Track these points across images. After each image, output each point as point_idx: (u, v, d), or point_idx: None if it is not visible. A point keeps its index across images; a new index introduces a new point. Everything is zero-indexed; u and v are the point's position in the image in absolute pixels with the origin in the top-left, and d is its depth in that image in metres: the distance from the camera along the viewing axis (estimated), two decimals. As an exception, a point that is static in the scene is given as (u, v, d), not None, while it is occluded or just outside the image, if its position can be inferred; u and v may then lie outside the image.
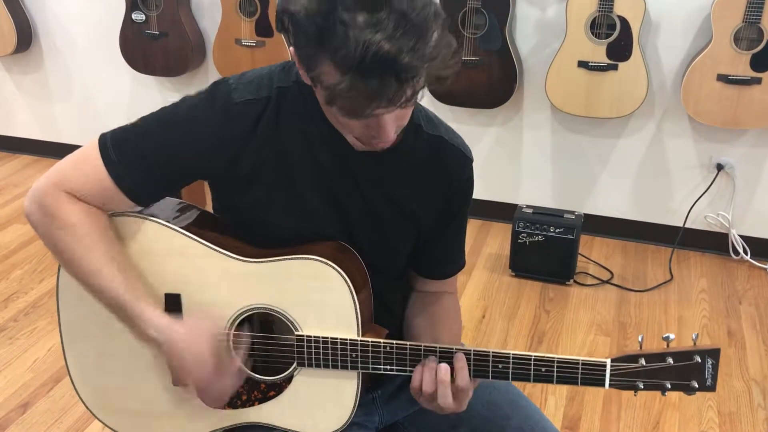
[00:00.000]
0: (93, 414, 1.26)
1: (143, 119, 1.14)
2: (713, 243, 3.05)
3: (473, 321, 2.62)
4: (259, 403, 1.17)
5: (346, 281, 1.09)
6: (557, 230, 2.76)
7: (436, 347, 1.08)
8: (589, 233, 3.15)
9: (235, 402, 1.18)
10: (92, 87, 3.69)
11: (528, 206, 2.87)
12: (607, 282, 2.86)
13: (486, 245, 3.13)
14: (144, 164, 1.10)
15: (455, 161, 1.21)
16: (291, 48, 0.98)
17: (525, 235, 2.80)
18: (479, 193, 3.22)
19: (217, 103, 1.10)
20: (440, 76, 0.93)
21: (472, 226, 3.27)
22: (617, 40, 2.73)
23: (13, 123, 3.93)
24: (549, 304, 2.73)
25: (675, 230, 3.04)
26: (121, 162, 1.10)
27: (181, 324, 1.09)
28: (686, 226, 3.02)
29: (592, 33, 2.74)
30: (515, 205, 2.91)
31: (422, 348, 1.08)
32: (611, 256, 3.05)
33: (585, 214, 2.90)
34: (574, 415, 2.18)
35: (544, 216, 2.80)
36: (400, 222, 1.20)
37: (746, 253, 2.99)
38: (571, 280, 2.83)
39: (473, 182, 1.26)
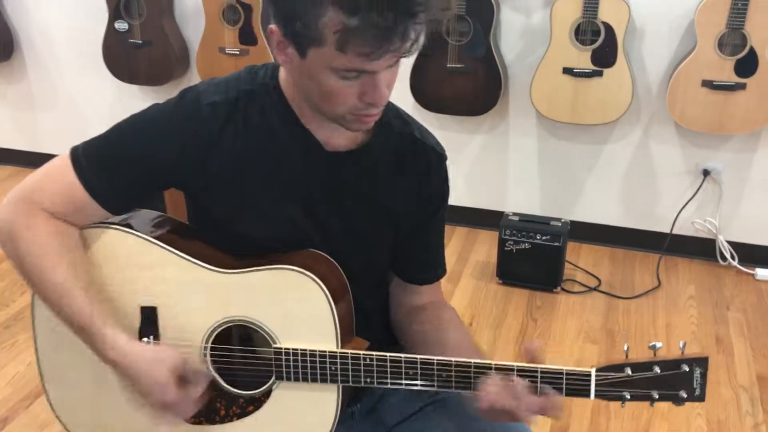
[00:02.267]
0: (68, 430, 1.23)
1: (113, 127, 1.13)
2: (701, 249, 3.05)
3: (460, 330, 2.59)
4: (238, 418, 1.14)
5: (323, 291, 1.06)
6: (544, 237, 2.75)
7: (416, 359, 1.05)
8: (577, 240, 3.14)
9: (213, 418, 1.15)
10: (76, 96, 3.66)
11: (514, 214, 2.85)
12: (595, 289, 2.85)
13: (473, 253, 3.11)
14: (116, 171, 1.10)
15: (428, 159, 1.20)
16: (272, 25, 0.98)
17: (512, 242, 2.78)
18: (466, 200, 3.27)
19: (185, 106, 1.10)
20: (438, 18, 0.95)
21: (459, 233, 3.25)
22: (602, 46, 2.72)
23: (-5, 133, 3.89)
24: (536, 312, 2.71)
25: (662, 236, 3.04)
26: (92, 171, 1.09)
27: (141, 348, 1.07)
28: (673, 232, 3.01)
29: (577, 39, 2.74)
30: (502, 213, 2.89)
31: (402, 360, 1.05)
32: (599, 263, 3.04)
33: (572, 221, 2.89)
34: (562, 426, 2.16)
35: (530, 223, 2.79)
36: (375, 220, 1.18)
37: (734, 259, 2.98)
38: (559, 288, 2.82)
39: (448, 180, 1.25)
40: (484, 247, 3.15)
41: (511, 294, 2.81)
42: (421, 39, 0.95)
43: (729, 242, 3.00)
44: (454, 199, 3.19)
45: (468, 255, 3.09)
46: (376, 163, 1.15)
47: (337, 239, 1.16)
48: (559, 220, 2.81)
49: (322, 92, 1.01)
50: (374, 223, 1.18)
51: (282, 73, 1.11)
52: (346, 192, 1.15)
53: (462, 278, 2.92)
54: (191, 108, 1.09)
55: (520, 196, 3.21)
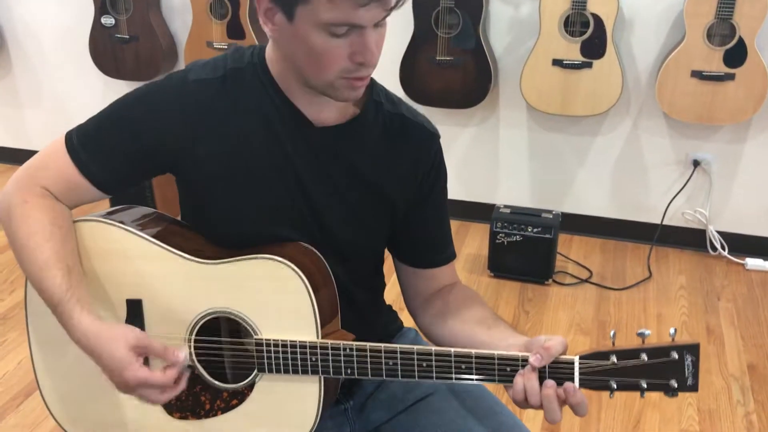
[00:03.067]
0: (62, 428, 1.22)
1: (104, 109, 1.14)
2: (691, 239, 3.05)
3: (451, 323, 2.59)
4: (223, 412, 1.13)
5: (302, 280, 1.05)
6: (535, 230, 2.74)
7: (396, 348, 1.04)
8: (568, 232, 3.14)
9: (199, 412, 1.14)
10: (62, 92, 3.63)
11: (505, 206, 2.84)
12: (586, 281, 2.84)
13: (464, 246, 3.10)
14: (108, 151, 1.11)
15: (419, 138, 1.18)
16: None
17: (503, 235, 2.78)
18: (457, 193, 3.25)
19: (172, 84, 1.10)
20: None
21: (451, 227, 3.24)
22: (591, 37, 2.71)
23: (-18, 131, 3.87)
24: (528, 305, 2.70)
25: (653, 227, 3.03)
26: (85, 152, 1.11)
27: (104, 325, 1.05)
28: (664, 223, 3.01)
29: (566, 31, 2.73)
30: (493, 205, 2.88)
31: (382, 350, 1.04)
32: (590, 254, 3.04)
33: (563, 213, 2.88)
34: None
35: (521, 216, 2.78)
36: (368, 198, 1.17)
37: (724, 249, 2.98)
38: (550, 280, 2.81)
39: (443, 159, 1.23)
40: (476, 239, 3.14)
41: (503, 287, 2.80)
42: None
43: (719, 232, 3.00)
44: (444, 193, 3.22)
45: (459, 248, 3.08)
46: (366, 137, 1.14)
47: (327, 215, 1.15)
48: (550, 212, 2.80)
49: (311, 56, 1.00)
50: (367, 199, 1.17)
51: (269, 52, 1.11)
52: (336, 167, 1.14)
53: (453, 271, 2.91)
54: (178, 85, 1.09)
55: (511, 189, 3.20)
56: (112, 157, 1.11)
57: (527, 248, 2.76)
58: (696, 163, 2.92)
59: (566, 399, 1.00)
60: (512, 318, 2.62)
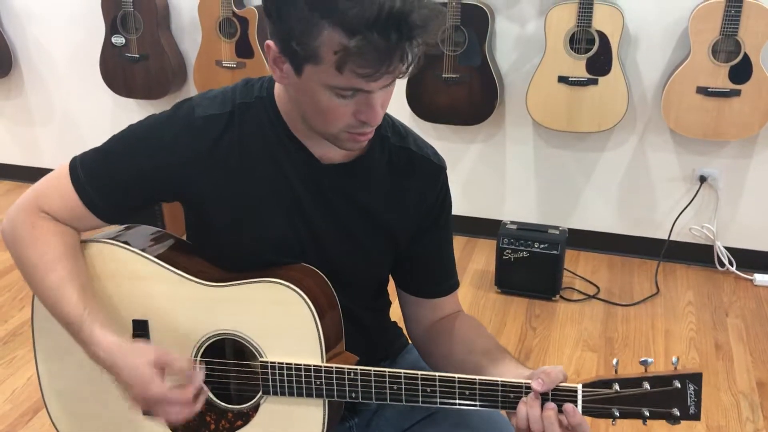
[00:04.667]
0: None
1: (110, 139, 1.15)
2: (699, 255, 3.04)
3: (458, 339, 2.59)
4: (227, 433, 1.14)
5: (307, 304, 1.06)
6: (542, 246, 2.74)
7: (400, 373, 1.05)
8: (575, 248, 3.14)
9: (203, 432, 1.15)
10: (73, 111, 3.68)
11: (512, 222, 2.85)
12: (594, 297, 2.84)
13: (471, 262, 3.11)
14: (110, 183, 1.12)
15: (426, 172, 1.19)
16: (269, 41, 0.98)
17: (509, 251, 2.78)
18: (464, 209, 3.26)
19: (180, 119, 1.11)
20: (429, 42, 0.95)
21: (457, 243, 3.25)
22: (596, 54, 2.73)
23: (-6, 149, 3.91)
24: (535, 321, 2.70)
25: (660, 243, 3.03)
26: (88, 182, 1.12)
27: (125, 342, 1.06)
28: (671, 238, 3.01)
29: (572, 48, 2.74)
30: (500, 222, 2.89)
31: (387, 374, 1.05)
32: (597, 270, 3.04)
33: (570, 229, 2.89)
34: None
35: (528, 232, 2.78)
36: (374, 235, 1.17)
37: (732, 265, 2.97)
38: (557, 296, 2.81)
39: (448, 191, 1.24)
40: (482, 256, 3.15)
41: (510, 303, 2.81)
42: (417, 60, 0.95)
43: (727, 248, 2.99)
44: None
45: (466, 264, 3.09)
46: (371, 175, 1.15)
47: (332, 250, 1.16)
48: (557, 228, 2.81)
49: (316, 110, 1.01)
50: (370, 234, 1.18)
51: (277, 87, 1.11)
52: (341, 203, 1.15)
53: (461, 287, 2.87)
54: (185, 121, 1.10)
55: (518, 205, 3.21)
56: (117, 191, 1.12)
57: (534, 264, 2.76)
58: (702, 179, 2.92)
59: (567, 420, 1.00)
60: (519, 334, 2.62)
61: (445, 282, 1.27)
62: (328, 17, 0.90)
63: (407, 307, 1.29)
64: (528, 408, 1.00)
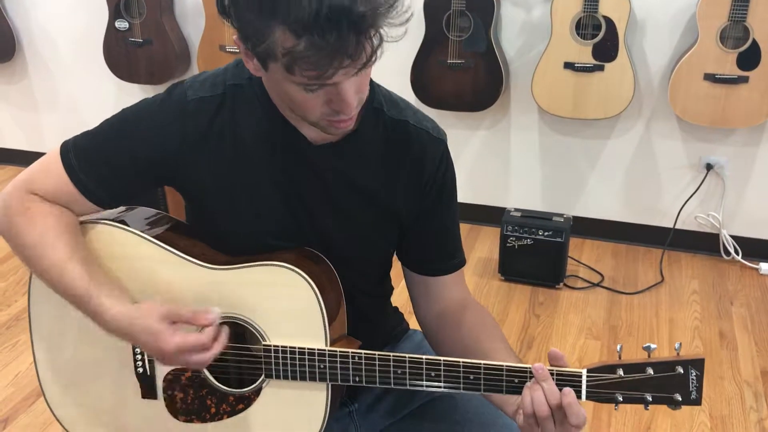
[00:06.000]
0: (63, 426, 1.23)
1: (102, 123, 1.14)
2: (704, 244, 3.02)
3: (462, 326, 2.58)
4: (228, 416, 1.13)
5: (312, 287, 1.05)
6: (546, 233, 2.73)
7: (405, 357, 1.04)
8: (579, 236, 3.12)
9: (204, 416, 1.14)
10: (77, 96, 3.67)
11: (516, 209, 2.84)
12: (598, 285, 2.83)
13: (475, 250, 3.10)
14: (103, 167, 1.11)
15: (424, 145, 1.15)
16: (235, 36, 0.96)
17: (513, 238, 2.77)
18: (467, 197, 3.25)
19: (172, 103, 1.09)
20: (393, 24, 0.91)
21: (461, 230, 3.22)
22: (603, 40, 2.70)
23: (-2, 134, 3.91)
24: (539, 309, 2.69)
25: (665, 231, 3.02)
26: (80, 166, 1.11)
27: (132, 306, 1.06)
28: (676, 227, 2.99)
29: (578, 34, 2.72)
30: (504, 209, 2.87)
31: (391, 358, 1.04)
32: (602, 258, 3.02)
33: (575, 217, 2.87)
34: (564, 421, 2.14)
35: (532, 219, 2.77)
36: (372, 214, 1.15)
37: (737, 254, 2.96)
38: (561, 284, 2.80)
39: (451, 164, 1.19)
40: (486, 243, 3.14)
41: (514, 290, 2.80)
42: (380, 49, 0.92)
43: (733, 237, 2.97)
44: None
45: (470, 252, 3.08)
46: (365, 151, 1.12)
47: (329, 232, 1.15)
48: (561, 215, 2.79)
49: (290, 101, 1.00)
50: (369, 214, 1.15)
51: None
52: (336, 184, 1.13)
53: (464, 274, 2.90)
54: (178, 105, 1.09)
55: (523, 192, 3.20)
56: (109, 176, 1.11)
57: (538, 252, 2.75)
58: (709, 167, 2.90)
59: (561, 400, 0.99)
60: (522, 322, 2.61)
61: (449, 260, 1.24)
62: (276, 18, 0.87)
63: (413, 288, 1.26)
64: (532, 392, 1.00)
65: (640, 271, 2.94)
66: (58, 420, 1.24)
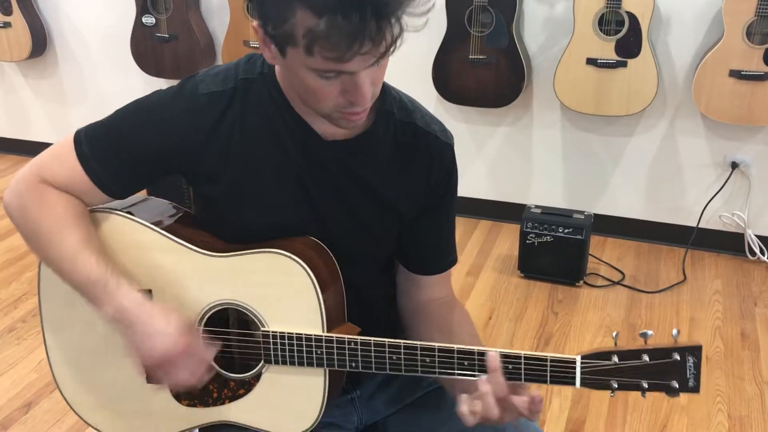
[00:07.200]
0: (75, 413, 1.26)
1: (115, 113, 1.15)
2: (728, 243, 2.98)
3: (479, 323, 2.58)
4: (230, 401, 1.15)
5: (309, 274, 1.06)
6: (566, 231, 2.71)
7: (400, 344, 1.05)
8: (601, 234, 3.10)
9: (206, 400, 1.16)
10: (105, 90, 3.73)
11: (536, 206, 2.82)
12: (618, 283, 2.80)
13: (495, 246, 3.09)
14: (114, 158, 1.12)
15: (432, 149, 1.17)
16: (254, 22, 0.97)
17: (533, 235, 2.75)
18: (489, 193, 3.24)
19: (184, 96, 1.10)
20: (415, 13, 0.91)
21: (482, 226, 3.23)
22: (626, 36, 2.68)
23: (29, 127, 3.99)
24: (557, 306, 2.68)
25: (689, 230, 2.97)
26: (93, 156, 1.12)
27: (155, 303, 1.08)
28: (700, 226, 2.95)
29: (601, 30, 2.69)
30: (525, 206, 2.86)
31: (387, 344, 1.05)
32: (624, 256, 2.99)
33: (596, 215, 2.85)
34: (579, 418, 2.13)
35: (552, 216, 2.75)
36: (376, 211, 1.17)
37: (763, 254, 2.91)
38: (581, 282, 2.78)
39: (455, 169, 1.21)
40: (507, 240, 3.13)
41: (533, 287, 2.78)
42: (400, 39, 0.92)
43: (758, 236, 2.92)
44: (476, 192, 3.21)
45: (490, 248, 3.07)
46: (375, 151, 1.14)
47: (334, 227, 1.16)
48: (582, 212, 2.77)
49: (305, 90, 1.01)
50: (373, 210, 1.17)
51: (278, 66, 1.11)
52: (345, 181, 1.14)
53: (483, 271, 2.90)
54: (189, 98, 1.10)
55: (544, 189, 3.18)
56: (121, 167, 1.12)
57: (558, 249, 2.73)
58: (734, 165, 2.86)
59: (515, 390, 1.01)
60: (540, 319, 2.60)
61: (441, 259, 1.26)
62: None
63: (400, 277, 1.29)
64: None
65: (663, 269, 2.90)
66: (68, 403, 1.26)
